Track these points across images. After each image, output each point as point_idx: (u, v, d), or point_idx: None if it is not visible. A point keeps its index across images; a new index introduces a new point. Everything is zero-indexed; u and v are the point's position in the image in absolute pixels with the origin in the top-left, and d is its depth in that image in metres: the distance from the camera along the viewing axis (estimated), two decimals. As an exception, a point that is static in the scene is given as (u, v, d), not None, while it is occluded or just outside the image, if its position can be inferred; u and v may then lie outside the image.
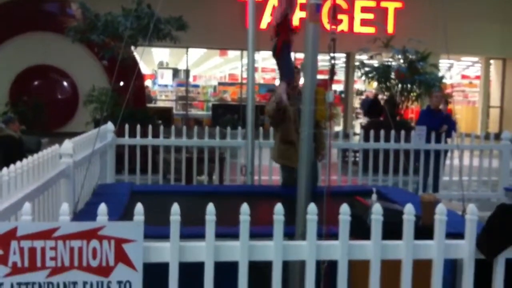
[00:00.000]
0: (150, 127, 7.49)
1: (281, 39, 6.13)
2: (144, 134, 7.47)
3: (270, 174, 7.50)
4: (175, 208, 2.55)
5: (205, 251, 2.58)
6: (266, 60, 21.50)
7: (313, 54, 3.74)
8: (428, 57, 12.06)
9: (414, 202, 3.78)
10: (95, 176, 5.46)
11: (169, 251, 2.55)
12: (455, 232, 3.27)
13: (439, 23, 13.38)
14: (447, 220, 2.77)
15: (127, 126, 7.29)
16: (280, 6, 6.14)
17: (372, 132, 7.82)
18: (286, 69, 6.18)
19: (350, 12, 17.20)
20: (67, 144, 4.38)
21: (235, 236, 2.64)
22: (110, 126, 6.70)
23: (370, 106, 18.81)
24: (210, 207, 2.57)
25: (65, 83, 16.46)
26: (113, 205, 4.12)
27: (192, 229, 3.10)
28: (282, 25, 6.09)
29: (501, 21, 18.83)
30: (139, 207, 2.50)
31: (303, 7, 3.83)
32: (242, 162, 7.20)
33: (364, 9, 17.56)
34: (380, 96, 15.36)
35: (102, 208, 2.50)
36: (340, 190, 5.49)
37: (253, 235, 2.70)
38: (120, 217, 3.97)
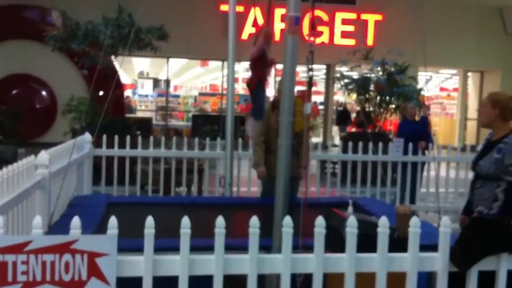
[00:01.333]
0: (128, 137, 7.44)
1: (257, 76, 6.19)
2: (122, 145, 7.43)
3: (249, 185, 7.50)
4: (149, 221, 2.54)
5: (179, 265, 2.57)
6: (247, 71, 21.55)
7: (292, 65, 3.77)
8: (406, 70, 12.20)
9: (390, 213, 3.82)
10: (71, 188, 5.40)
11: (142, 265, 2.53)
12: (431, 244, 3.30)
13: (418, 36, 13.54)
14: (423, 232, 2.80)
15: (105, 136, 7.24)
16: (257, 42, 6.19)
17: (350, 144, 7.87)
18: (258, 107, 6.24)
19: (330, 24, 17.33)
20: (43, 155, 4.33)
21: (212, 248, 2.63)
22: (87, 136, 6.65)
23: (339, 116, 19.33)
24: (185, 220, 2.56)
25: (43, 92, 16.29)
26: (89, 217, 4.09)
27: (168, 241, 3.08)
28: (259, 61, 6.13)
29: (478, 35, 19.13)
30: (112, 221, 2.48)
31: (283, 18, 3.85)
32: (221, 173, 7.20)
33: (345, 21, 17.69)
34: (358, 108, 15.73)
35: (75, 221, 2.48)
36: (318, 202, 5.51)
37: (231, 248, 2.70)
38: (96, 229, 3.93)
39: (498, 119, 3.53)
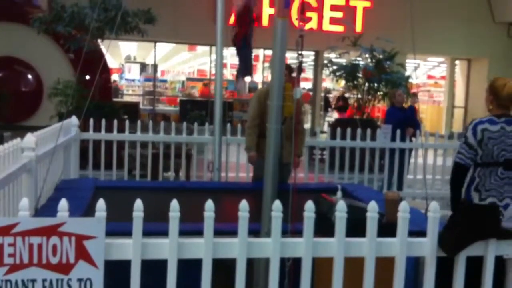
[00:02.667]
0: (115, 121, 7.38)
1: (242, 32, 6.14)
2: (109, 129, 7.37)
3: (238, 170, 7.48)
4: (138, 204, 2.51)
5: (168, 248, 2.55)
6: (235, 56, 21.43)
7: (281, 50, 3.73)
8: (395, 56, 12.20)
9: (378, 199, 3.82)
10: (58, 171, 5.35)
11: (131, 248, 2.51)
12: (418, 230, 3.32)
13: (407, 23, 13.56)
14: (410, 218, 2.80)
15: (92, 120, 7.17)
16: None
17: (338, 130, 7.88)
18: (243, 63, 6.23)
19: (319, 10, 17.26)
20: (30, 138, 4.28)
21: (200, 233, 2.62)
22: (74, 120, 6.57)
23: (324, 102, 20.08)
24: (174, 204, 2.54)
25: (29, 76, 16.10)
26: (76, 201, 4.05)
27: (157, 225, 3.06)
28: (244, 17, 6.09)
29: (466, 23, 19.18)
30: (100, 203, 2.45)
31: (272, 3, 3.82)
32: (209, 159, 7.17)
33: (333, 8, 17.64)
34: (346, 95, 15.84)
35: (63, 204, 2.45)
36: (306, 187, 5.52)
37: (220, 232, 2.69)
38: (83, 213, 3.90)
39: (494, 106, 3.55)
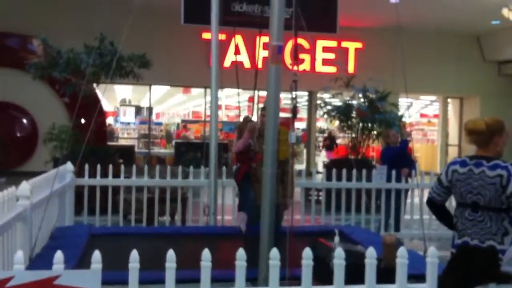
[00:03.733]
0: (110, 166, 7.37)
1: (244, 169, 6.21)
2: (104, 174, 7.35)
3: (234, 213, 7.44)
4: (134, 255, 2.49)
5: (165, 299, 2.51)
6: (229, 97, 21.60)
7: (275, 94, 3.78)
8: (387, 97, 12.32)
9: (376, 242, 3.81)
10: (53, 218, 5.31)
11: (127, 300, 2.48)
12: (417, 274, 3.29)
13: (398, 63, 13.74)
14: (409, 261, 2.78)
15: (87, 165, 7.15)
16: (242, 138, 6.23)
17: (334, 171, 7.88)
18: (245, 202, 6.21)
19: (312, 52, 17.49)
20: (25, 186, 4.26)
21: (197, 280, 2.59)
22: (69, 166, 6.56)
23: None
24: (170, 254, 2.52)
25: (24, 120, 16.13)
26: (71, 249, 4.01)
27: (153, 274, 3.03)
28: (245, 154, 6.18)
29: (457, 62, 19.45)
30: (96, 255, 2.43)
31: (265, 46, 3.88)
32: (205, 202, 7.13)
33: (326, 49, 17.88)
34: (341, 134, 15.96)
35: (58, 256, 2.42)
36: (303, 231, 5.49)
37: (216, 280, 2.66)
38: (78, 262, 3.86)
39: (475, 147, 3.58)
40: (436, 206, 3.74)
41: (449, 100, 21.40)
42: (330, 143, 20.38)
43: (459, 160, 3.58)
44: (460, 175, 3.45)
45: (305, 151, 20.29)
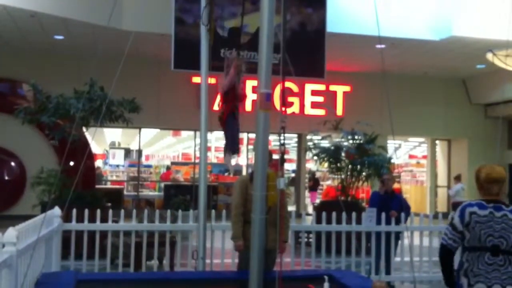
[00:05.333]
0: (98, 211, 7.30)
1: (228, 108, 6.29)
2: (92, 218, 7.28)
3: (223, 257, 7.37)
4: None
5: None
6: (219, 140, 21.65)
7: (264, 140, 3.81)
8: (375, 140, 12.43)
9: (366, 286, 3.78)
10: (39, 264, 5.23)
11: None
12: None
13: (386, 106, 13.94)
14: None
15: (74, 210, 7.09)
16: (227, 75, 6.32)
17: (324, 214, 7.87)
18: (230, 139, 6.33)
19: (300, 95, 17.68)
20: (11, 232, 4.21)
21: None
22: (57, 211, 6.50)
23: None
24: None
25: (12, 164, 16.05)
26: (57, 298, 3.94)
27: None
28: (230, 94, 6.26)
29: (444, 105, 19.73)
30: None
31: (254, 90, 3.93)
32: (193, 245, 7.06)
33: (314, 92, 18.08)
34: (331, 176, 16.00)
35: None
36: (293, 275, 5.43)
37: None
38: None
39: (481, 194, 3.60)
40: (448, 252, 3.58)
41: (437, 142, 21.60)
42: (314, 184, 20.47)
43: (474, 202, 3.55)
44: (481, 218, 3.43)
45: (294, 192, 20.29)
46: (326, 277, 3.86)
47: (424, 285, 7.88)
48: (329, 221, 7.87)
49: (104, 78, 7.57)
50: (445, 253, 3.59)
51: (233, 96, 6.31)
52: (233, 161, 6.80)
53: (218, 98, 6.47)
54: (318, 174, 21.46)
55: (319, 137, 13.76)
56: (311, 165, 21.89)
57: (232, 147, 6.41)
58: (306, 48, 10.90)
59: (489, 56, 13.86)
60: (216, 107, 6.78)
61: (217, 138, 21.39)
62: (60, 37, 14.56)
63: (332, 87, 18.29)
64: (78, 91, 10.21)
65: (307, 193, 21.06)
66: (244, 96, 6.58)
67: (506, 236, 3.33)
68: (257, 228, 3.57)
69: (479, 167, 3.72)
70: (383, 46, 13.28)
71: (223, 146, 7.01)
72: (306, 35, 11.83)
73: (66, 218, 6.95)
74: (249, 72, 6.75)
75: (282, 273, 3.68)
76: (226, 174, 19.71)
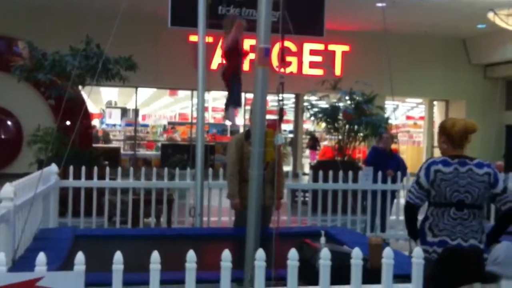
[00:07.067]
0: (95, 168, 7.31)
1: (231, 66, 6.27)
2: (89, 176, 7.29)
3: (220, 215, 7.42)
4: (118, 257, 2.47)
5: (149, 300, 2.49)
6: (216, 100, 21.57)
7: (262, 96, 3.77)
8: (373, 99, 12.38)
9: (362, 243, 3.81)
10: (37, 220, 5.25)
11: (111, 302, 2.45)
12: (402, 274, 3.30)
13: (385, 66, 13.81)
14: (394, 262, 2.78)
15: (71, 167, 7.09)
16: (230, 33, 6.28)
17: (320, 173, 7.89)
18: (235, 95, 6.33)
19: (299, 55, 17.53)
20: (8, 187, 4.22)
21: (182, 282, 2.57)
22: (53, 167, 6.49)
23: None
24: (155, 256, 2.50)
25: (9, 123, 16.00)
26: (55, 251, 3.97)
27: (138, 276, 3.01)
28: (233, 52, 6.23)
29: (443, 65, 19.59)
30: (79, 256, 2.40)
31: (253, 49, 3.87)
32: (191, 203, 7.11)
33: (313, 52, 17.92)
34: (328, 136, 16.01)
35: (41, 257, 2.39)
36: (289, 232, 5.48)
37: (202, 281, 2.64)
38: (62, 264, 3.82)
39: (449, 146, 3.57)
40: (413, 210, 3.66)
41: (435, 102, 21.55)
42: (313, 143, 20.51)
43: (438, 159, 3.56)
44: (446, 175, 3.45)
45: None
46: (323, 232, 3.89)
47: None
48: (325, 180, 7.90)
49: (101, 36, 7.44)
50: (410, 210, 3.67)
51: (236, 53, 6.29)
52: (237, 120, 6.79)
53: (219, 54, 6.47)
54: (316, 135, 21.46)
55: (317, 97, 13.68)
56: (308, 126, 21.90)
57: (234, 100, 6.42)
58: (306, 6, 10.71)
59: (491, 15, 13.69)
60: (214, 66, 6.74)
61: (214, 98, 21.30)
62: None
63: (331, 47, 18.11)
64: (74, 49, 10.08)
65: (307, 153, 21.18)
66: (246, 53, 6.55)
67: (471, 191, 3.36)
68: (254, 184, 3.55)
69: (448, 120, 3.69)
70: (384, 4, 13.06)
71: (223, 105, 7.01)
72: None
73: (63, 176, 6.95)
74: (247, 30, 6.66)
75: (278, 229, 3.69)
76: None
